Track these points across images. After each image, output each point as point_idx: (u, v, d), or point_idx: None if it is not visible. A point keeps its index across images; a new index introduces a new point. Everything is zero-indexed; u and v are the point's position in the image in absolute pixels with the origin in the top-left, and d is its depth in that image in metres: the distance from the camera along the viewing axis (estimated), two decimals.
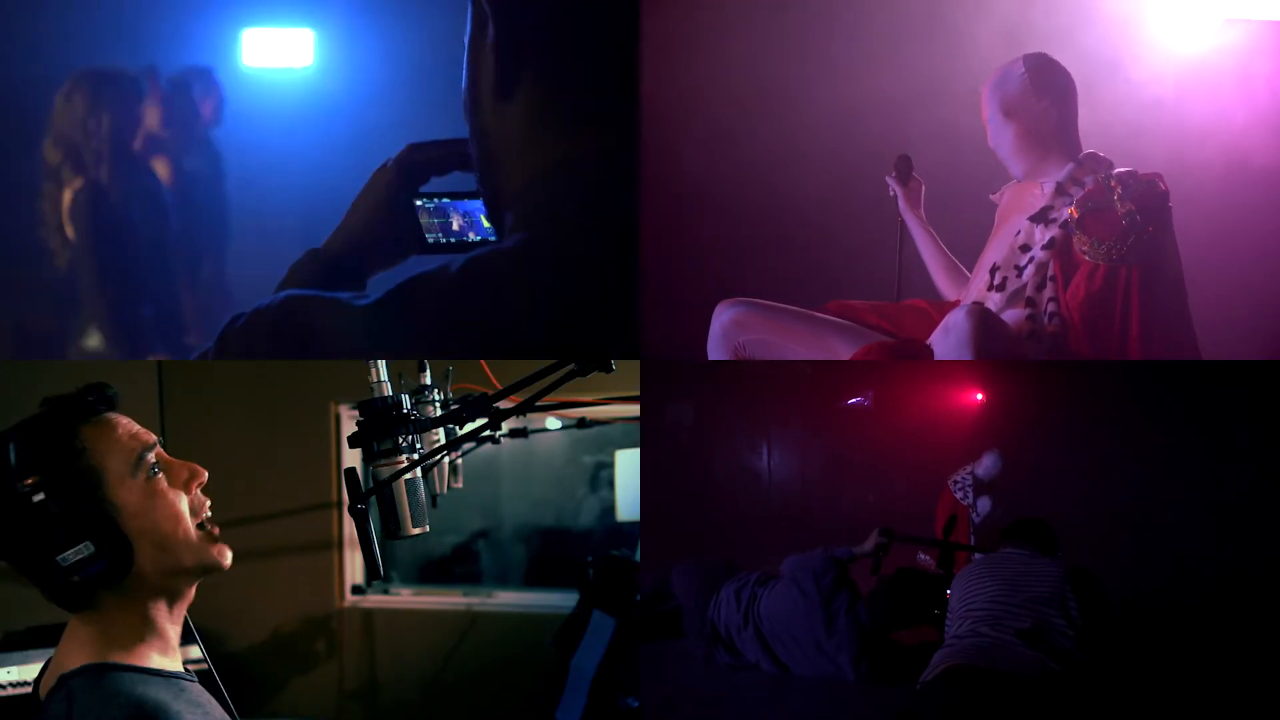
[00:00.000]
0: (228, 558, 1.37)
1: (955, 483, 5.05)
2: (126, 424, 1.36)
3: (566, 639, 3.00)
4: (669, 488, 5.20)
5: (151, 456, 1.33)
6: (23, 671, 3.22)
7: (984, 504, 4.95)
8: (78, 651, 1.30)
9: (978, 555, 4.30)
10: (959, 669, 2.37)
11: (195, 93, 4.22)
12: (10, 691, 3.19)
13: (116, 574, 1.28)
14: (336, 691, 3.98)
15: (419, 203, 1.62)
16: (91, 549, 1.26)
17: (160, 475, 1.34)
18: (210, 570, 1.36)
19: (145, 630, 1.33)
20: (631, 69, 1.39)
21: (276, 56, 4.33)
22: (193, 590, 1.39)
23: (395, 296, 1.33)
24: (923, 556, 4.80)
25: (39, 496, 1.26)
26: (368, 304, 1.33)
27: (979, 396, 5.58)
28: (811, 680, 3.17)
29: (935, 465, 5.27)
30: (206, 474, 1.37)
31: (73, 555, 1.25)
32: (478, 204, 1.63)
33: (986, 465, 4.99)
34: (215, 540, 1.37)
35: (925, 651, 3.02)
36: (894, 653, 3.19)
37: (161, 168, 4.12)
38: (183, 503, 1.34)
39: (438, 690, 3.86)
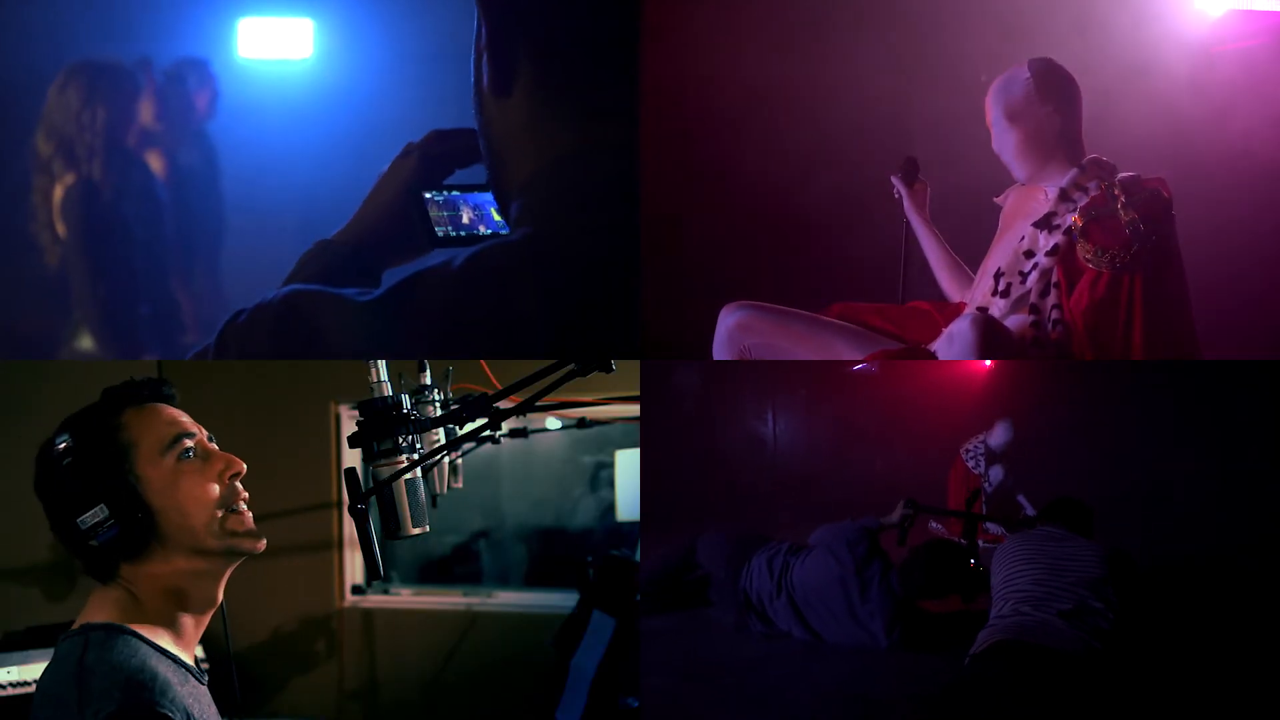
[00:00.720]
0: (258, 545, 1.41)
1: (967, 451, 5.05)
2: (173, 413, 1.43)
3: (566, 639, 2.99)
4: (672, 461, 5.21)
5: (189, 442, 1.40)
6: (23, 671, 3.21)
7: (996, 473, 4.96)
8: (103, 611, 1.36)
9: (990, 525, 4.34)
10: (1006, 644, 2.44)
11: (190, 85, 4.08)
12: (10, 691, 3.19)
13: (134, 543, 1.34)
14: (336, 691, 3.97)
15: (428, 195, 1.59)
16: (105, 513, 1.33)
17: (195, 460, 1.40)
18: (234, 554, 1.41)
19: (166, 615, 1.37)
20: (632, 64, 1.38)
21: (274, 47, 4.16)
22: (219, 590, 1.43)
23: (397, 293, 1.32)
24: (934, 525, 4.80)
25: (68, 460, 1.34)
26: (370, 300, 1.32)
27: (987, 362, 5.58)
28: (844, 648, 3.22)
29: (944, 434, 5.28)
30: (244, 466, 1.42)
31: (90, 518, 1.33)
32: (488, 197, 1.60)
33: (998, 434, 4.99)
34: (244, 527, 1.41)
35: (954, 620, 3.17)
36: (924, 621, 3.26)
37: (155, 162, 4.01)
38: (214, 489, 1.39)
39: (438, 690, 3.85)
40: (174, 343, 3.91)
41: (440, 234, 1.57)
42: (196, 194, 4.10)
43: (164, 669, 1.30)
